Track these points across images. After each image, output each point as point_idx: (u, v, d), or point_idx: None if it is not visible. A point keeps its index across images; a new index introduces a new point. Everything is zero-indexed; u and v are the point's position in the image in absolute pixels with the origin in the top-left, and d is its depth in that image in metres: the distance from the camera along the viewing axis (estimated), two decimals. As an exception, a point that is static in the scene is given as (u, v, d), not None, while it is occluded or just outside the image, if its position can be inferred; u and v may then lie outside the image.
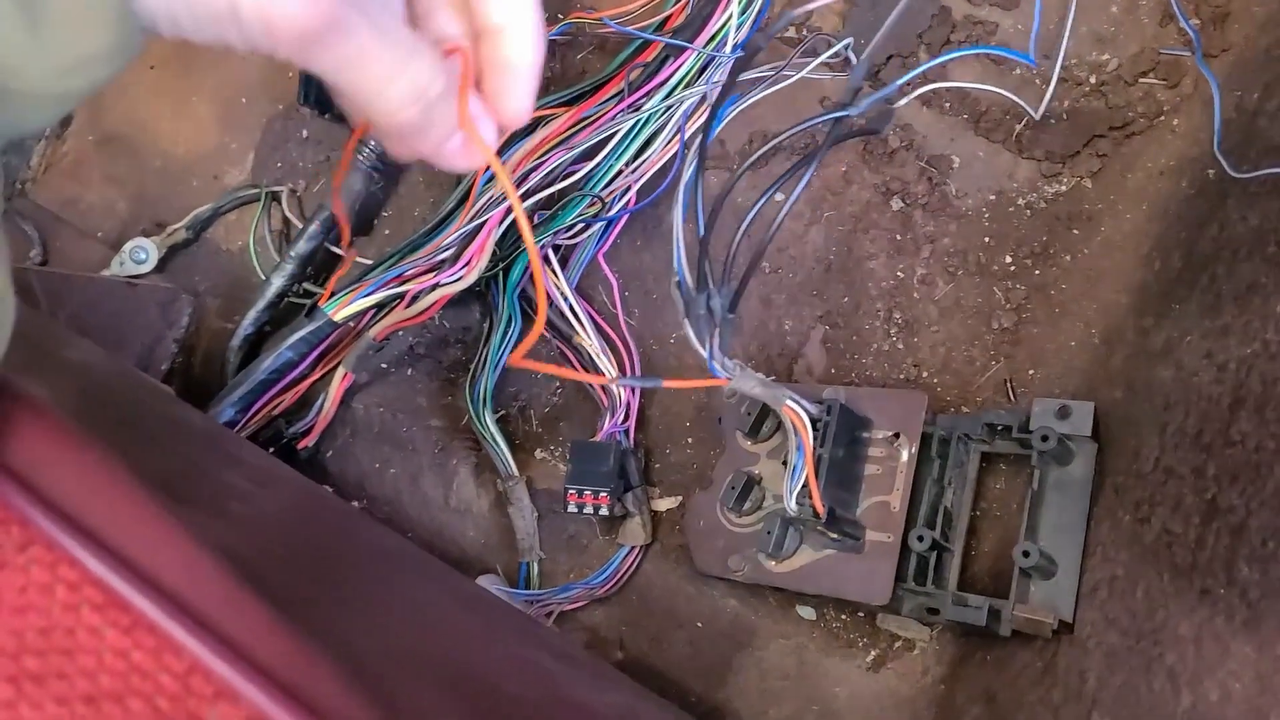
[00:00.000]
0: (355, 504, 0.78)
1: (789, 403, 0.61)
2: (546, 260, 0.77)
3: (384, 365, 0.84)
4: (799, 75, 0.56)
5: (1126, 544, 0.58)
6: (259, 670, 0.27)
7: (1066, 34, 0.64)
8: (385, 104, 0.33)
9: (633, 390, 0.76)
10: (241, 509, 0.46)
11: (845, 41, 0.53)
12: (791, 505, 0.61)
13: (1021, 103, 0.63)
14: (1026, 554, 0.59)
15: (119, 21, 0.28)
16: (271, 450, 0.80)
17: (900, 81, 0.52)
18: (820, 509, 0.61)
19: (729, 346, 0.57)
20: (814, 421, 0.62)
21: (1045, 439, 0.61)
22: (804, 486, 0.61)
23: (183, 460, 0.49)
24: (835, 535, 0.63)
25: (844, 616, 0.71)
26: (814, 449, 0.61)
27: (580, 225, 0.78)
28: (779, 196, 0.55)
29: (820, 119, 0.51)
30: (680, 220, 0.56)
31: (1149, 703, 0.52)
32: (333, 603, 0.35)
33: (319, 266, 0.85)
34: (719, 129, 0.73)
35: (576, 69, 0.82)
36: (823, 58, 0.56)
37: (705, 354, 0.57)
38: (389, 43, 0.32)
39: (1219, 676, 0.50)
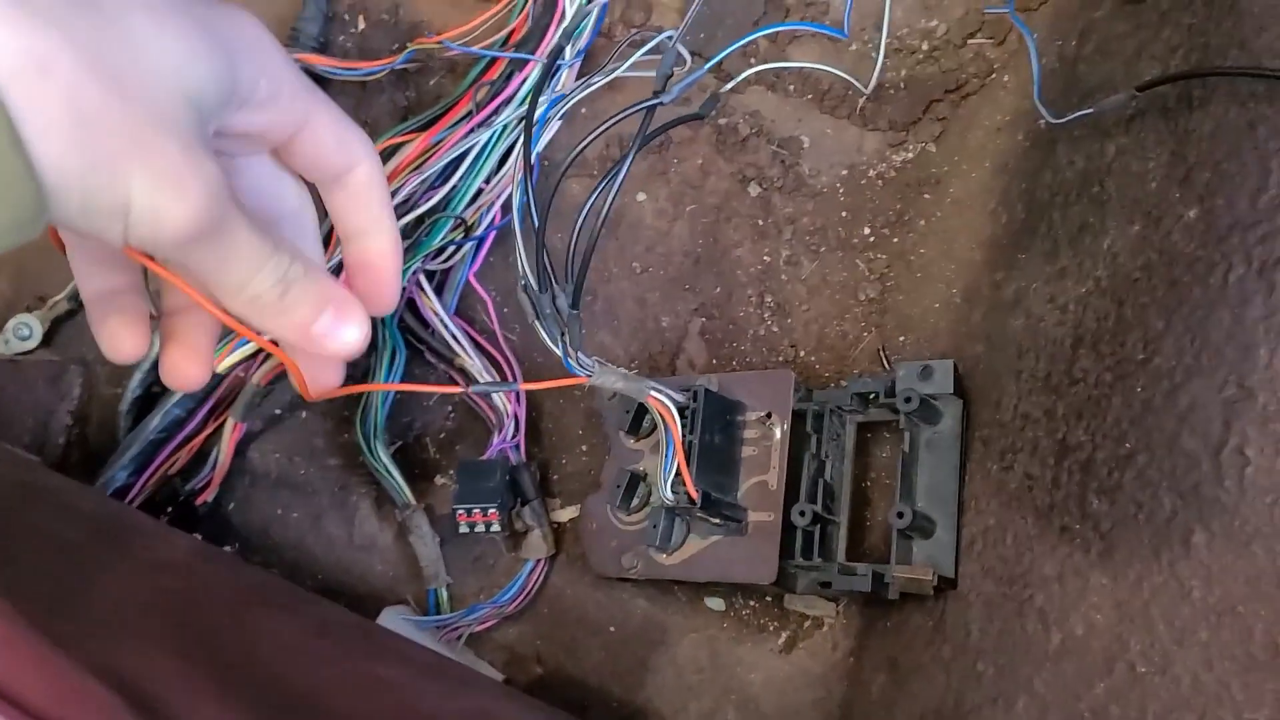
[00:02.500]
0: (228, 549, 0.78)
1: (652, 393, 0.61)
2: (420, 286, 0.77)
3: (277, 411, 0.84)
4: (621, 72, 0.57)
5: (995, 493, 0.59)
6: (21, 709, 0.27)
7: (889, 4, 0.65)
8: (251, 290, 0.35)
9: (519, 402, 0.76)
10: (67, 563, 0.45)
11: (666, 34, 0.54)
12: (667, 494, 0.61)
13: (855, 79, 0.64)
14: (901, 515, 0.59)
15: (27, 200, 0.29)
16: (170, 509, 0.79)
17: (707, 66, 0.53)
18: (694, 494, 0.61)
19: (579, 343, 0.57)
20: (681, 409, 0.63)
21: (909, 400, 0.61)
22: (677, 474, 0.61)
23: (24, 526, 0.49)
24: (716, 520, 0.63)
25: (753, 603, 0.72)
26: (682, 436, 0.62)
27: (451, 249, 0.78)
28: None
29: (631, 110, 0.52)
30: (519, 225, 0.56)
31: (1024, 645, 0.53)
32: (146, 640, 0.35)
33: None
34: (545, 139, 0.73)
35: (431, 95, 0.83)
36: (641, 52, 0.56)
37: (560, 353, 0.57)
38: (258, 235, 0.35)
39: (1082, 610, 0.51)
